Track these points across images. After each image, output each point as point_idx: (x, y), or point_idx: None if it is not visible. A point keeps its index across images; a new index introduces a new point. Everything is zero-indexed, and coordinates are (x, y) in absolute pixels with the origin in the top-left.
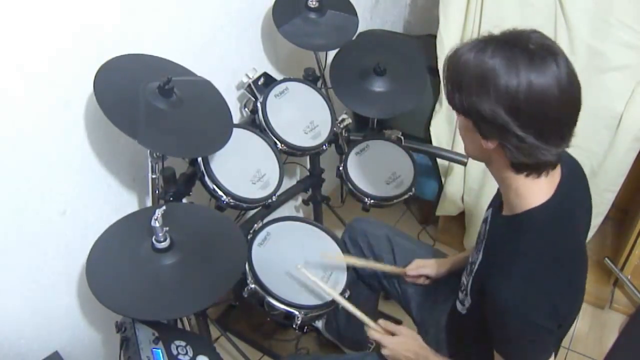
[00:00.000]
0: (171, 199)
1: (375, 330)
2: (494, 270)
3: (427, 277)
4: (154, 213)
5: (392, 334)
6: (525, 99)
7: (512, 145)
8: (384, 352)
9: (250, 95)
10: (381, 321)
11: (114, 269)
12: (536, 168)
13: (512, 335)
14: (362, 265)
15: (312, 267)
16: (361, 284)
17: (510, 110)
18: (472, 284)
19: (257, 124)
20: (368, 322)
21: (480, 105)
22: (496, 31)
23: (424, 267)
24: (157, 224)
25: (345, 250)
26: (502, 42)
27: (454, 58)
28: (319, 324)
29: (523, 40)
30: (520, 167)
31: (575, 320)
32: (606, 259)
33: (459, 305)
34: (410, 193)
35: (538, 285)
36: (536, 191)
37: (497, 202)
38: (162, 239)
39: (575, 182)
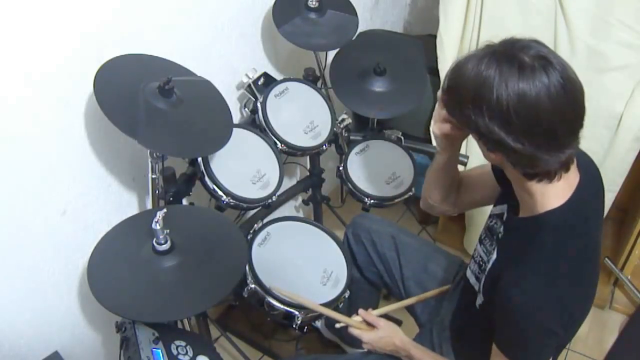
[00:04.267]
0: (171, 199)
1: (354, 326)
2: (508, 269)
3: None
4: (155, 215)
5: (373, 326)
6: (514, 111)
7: (512, 157)
8: (365, 347)
9: (250, 95)
10: (361, 311)
11: (115, 271)
12: (546, 175)
13: (516, 333)
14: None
15: (312, 267)
16: (363, 282)
17: (503, 124)
18: (485, 282)
19: (257, 124)
20: (346, 320)
21: (476, 121)
22: (497, 40)
23: None
24: (158, 227)
25: (346, 248)
26: (496, 53)
27: (455, 69)
28: (319, 324)
29: (517, 51)
30: (529, 175)
31: None
32: (606, 259)
33: (476, 302)
34: (410, 193)
35: (548, 287)
36: (552, 194)
37: (514, 202)
38: (162, 242)
39: (592, 185)
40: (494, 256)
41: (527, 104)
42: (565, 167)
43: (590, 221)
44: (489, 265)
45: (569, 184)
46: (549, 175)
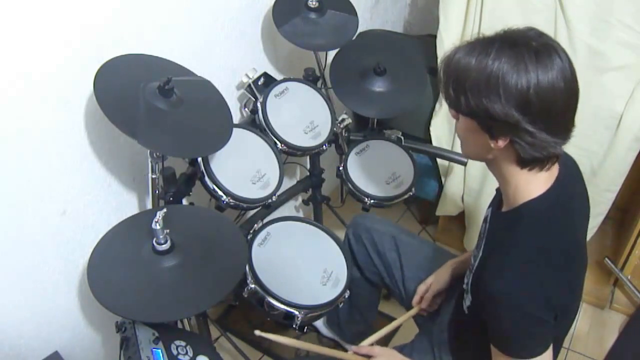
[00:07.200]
0: (171, 199)
1: None
2: (490, 264)
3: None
4: (155, 215)
5: (369, 357)
6: (536, 95)
7: (525, 141)
8: None
9: (250, 95)
10: (353, 347)
11: (115, 271)
12: (542, 161)
13: (507, 326)
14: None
15: (312, 267)
16: (362, 283)
17: (522, 108)
18: (472, 281)
19: (257, 124)
20: (341, 356)
21: (490, 106)
22: (489, 32)
23: (430, 289)
24: (158, 227)
25: (346, 248)
26: (503, 42)
27: (453, 63)
28: (319, 323)
29: (523, 38)
30: (527, 162)
31: (575, 320)
32: (606, 259)
33: (463, 304)
34: (410, 193)
35: (530, 275)
36: (535, 185)
37: (497, 201)
38: (162, 241)
39: (572, 177)
40: (480, 254)
41: (547, 88)
42: (558, 157)
43: (572, 208)
44: (476, 264)
45: (550, 174)
46: (543, 163)
